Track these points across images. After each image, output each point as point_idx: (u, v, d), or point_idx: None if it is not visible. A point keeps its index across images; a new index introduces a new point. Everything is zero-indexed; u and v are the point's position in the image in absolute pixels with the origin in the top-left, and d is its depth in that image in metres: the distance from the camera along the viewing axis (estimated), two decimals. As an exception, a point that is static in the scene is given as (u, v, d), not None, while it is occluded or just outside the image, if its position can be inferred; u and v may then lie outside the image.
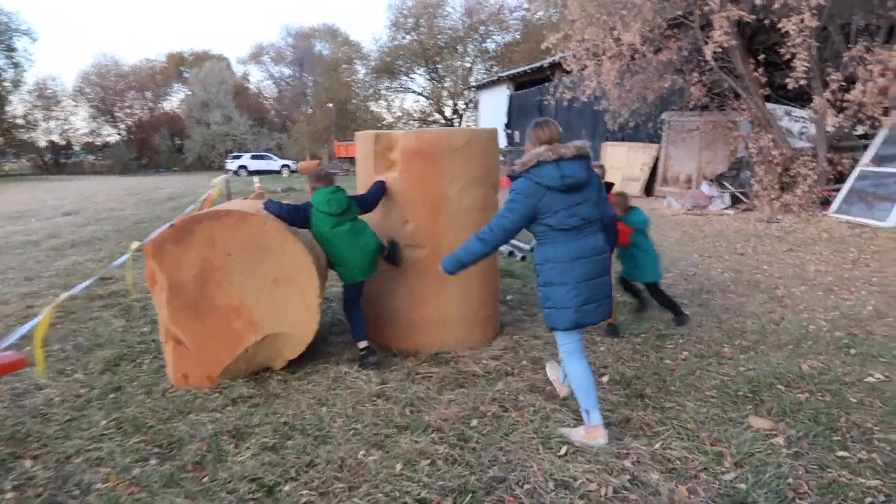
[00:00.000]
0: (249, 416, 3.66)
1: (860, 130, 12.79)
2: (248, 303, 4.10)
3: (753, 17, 10.87)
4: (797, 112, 14.59)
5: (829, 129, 12.26)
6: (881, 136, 11.82)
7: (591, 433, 3.30)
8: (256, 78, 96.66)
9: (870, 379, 4.11)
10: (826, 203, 12.20)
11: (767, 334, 5.13)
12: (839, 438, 3.30)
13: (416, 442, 3.33)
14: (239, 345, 4.12)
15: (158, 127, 57.53)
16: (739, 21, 11.39)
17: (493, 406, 3.77)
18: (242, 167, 39.96)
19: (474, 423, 3.57)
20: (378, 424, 3.55)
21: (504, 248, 8.81)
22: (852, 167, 12.25)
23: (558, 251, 3.25)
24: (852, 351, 4.63)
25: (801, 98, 14.37)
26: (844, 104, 11.01)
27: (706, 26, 12.52)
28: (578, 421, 3.54)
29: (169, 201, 19.44)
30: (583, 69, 14.00)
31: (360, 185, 5.07)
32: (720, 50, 11.27)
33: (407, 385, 4.12)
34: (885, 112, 10.43)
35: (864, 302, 6.12)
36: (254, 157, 42.34)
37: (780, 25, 10.33)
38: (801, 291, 6.67)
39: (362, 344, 4.51)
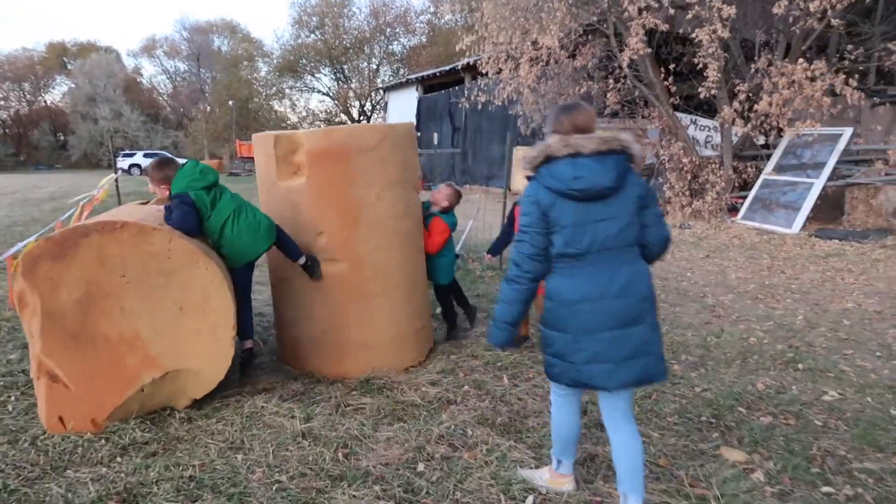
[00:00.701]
0: (145, 470, 2.98)
1: (761, 140, 13.28)
2: (144, 335, 3.41)
3: (667, 25, 10.96)
4: (703, 121, 15.03)
5: (735, 138, 12.63)
6: (782, 145, 12.27)
7: (557, 479, 2.86)
8: (149, 72, 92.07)
9: (826, 398, 3.94)
10: (733, 210, 12.54)
11: (711, 348, 4.93)
12: (818, 470, 3.05)
13: (355, 497, 2.78)
14: (131, 384, 3.41)
15: (38, 121, 53.32)
16: (650, 31, 11.49)
17: (440, 445, 3.27)
18: (135, 166, 37.36)
19: (421, 467, 3.06)
20: (307, 475, 2.98)
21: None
22: (756, 175, 12.67)
23: (560, 285, 2.45)
24: (800, 366, 4.48)
25: (702, 108, 14.81)
26: (749, 114, 11.32)
27: (618, 34, 12.60)
28: (537, 460, 3.12)
29: (49, 202, 17.69)
30: (498, 72, 13.77)
31: (262, 194, 4.44)
32: (636, 57, 11.31)
33: (337, 420, 3.56)
34: (790, 122, 10.79)
35: (793, 311, 6.09)
36: (147, 156, 39.73)
37: (693, 35, 10.46)
38: (729, 300, 6.60)
39: (248, 344, 4.13)
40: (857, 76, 10.30)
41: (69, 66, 56.29)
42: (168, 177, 3.83)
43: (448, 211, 4.94)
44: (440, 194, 4.91)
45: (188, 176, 3.76)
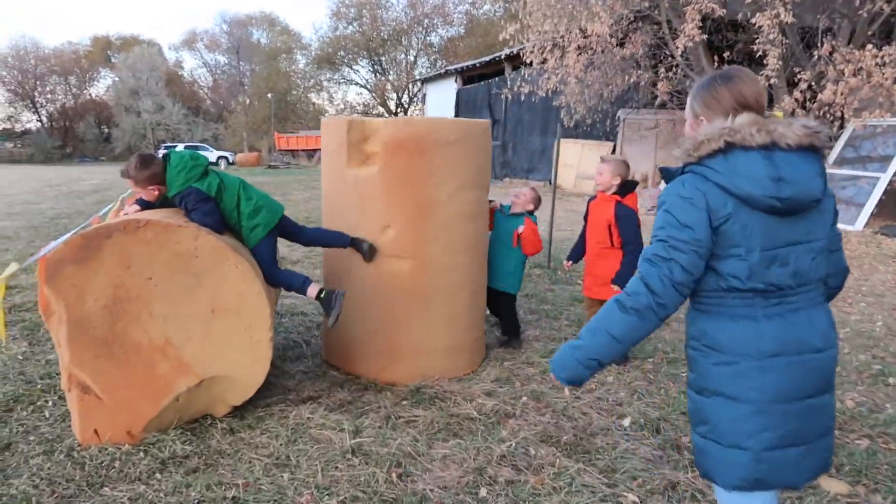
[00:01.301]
0: (185, 489, 2.76)
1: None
2: (176, 340, 3.19)
3: (724, 10, 10.43)
4: (757, 112, 14.40)
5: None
6: (844, 137, 11.63)
7: None
8: (190, 65, 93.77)
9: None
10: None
11: (786, 358, 4.54)
12: (934, 506, 2.68)
13: (413, 527, 2.52)
14: (166, 393, 3.20)
15: (84, 114, 54.47)
16: (704, 17, 10.97)
17: (502, 467, 2.99)
18: (176, 158, 37.84)
19: (483, 492, 2.78)
20: (359, 499, 2.72)
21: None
22: (815, 169, 12.05)
23: (739, 332, 1.71)
24: (891, 380, 4.08)
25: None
26: (810, 104, 10.73)
27: (669, 21, 12.08)
28: (611, 486, 2.81)
29: (94, 194, 17.89)
30: (543, 62, 13.36)
31: (327, 182, 4.21)
32: (690, 45, 10.80)
33: (387, 435, 3.30)
34: (855, 112, 10.18)
35: (870, 317, 5.64)
36: (188, 148, 40.14)
37: (753, 20, 9.92)
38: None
39: (313, 289, 3.72)
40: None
41: (113, 60, 57.33)
42: (156, 174, 3.44)
43: (532, 213, 4.72)
44: (525, 197, 4.67)
45: (184, 168, 3.40)
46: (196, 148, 40.48)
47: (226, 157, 39.90)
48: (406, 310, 3.95)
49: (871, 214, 10.37)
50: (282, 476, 2.88)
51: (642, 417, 3.51)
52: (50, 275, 2.99)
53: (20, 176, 27.07)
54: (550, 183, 20.78)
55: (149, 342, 3.15)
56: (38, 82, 53.96)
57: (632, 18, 12.30)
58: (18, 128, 54.61)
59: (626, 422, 3.48)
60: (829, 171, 11.37)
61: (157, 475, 2.88)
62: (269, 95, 47.96)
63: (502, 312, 4.80)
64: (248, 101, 54.28)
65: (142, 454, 3.06)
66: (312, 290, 3.71)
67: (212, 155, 39.86)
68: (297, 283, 3.73)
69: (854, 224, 10.34)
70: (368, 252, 3.90)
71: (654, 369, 4.30)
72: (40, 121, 55.16)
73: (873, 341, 4.93)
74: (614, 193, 4.26)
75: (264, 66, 54.40)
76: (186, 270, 3.14)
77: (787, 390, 1.70)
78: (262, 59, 55.85)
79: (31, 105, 54.70)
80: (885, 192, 10.44)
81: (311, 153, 40.14)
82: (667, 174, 1.84)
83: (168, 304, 3.15)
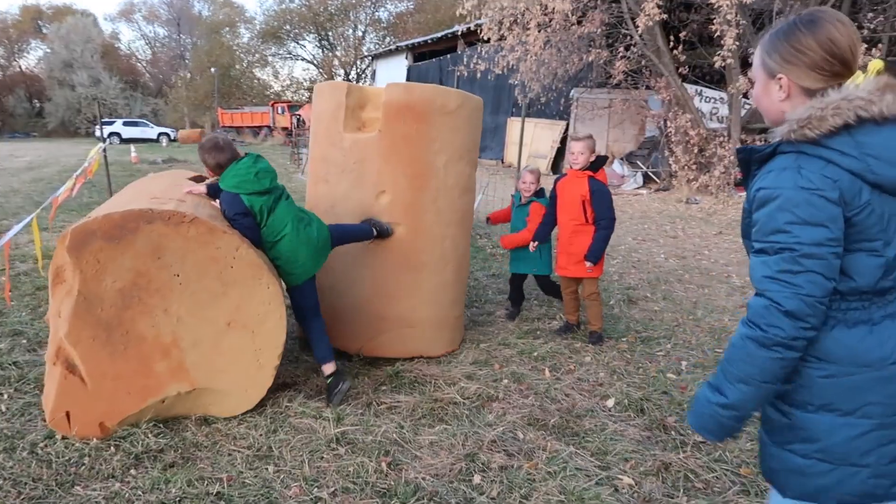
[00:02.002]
0: (165, 486, 2.60)
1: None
2: (183, 343, 3.02)
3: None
4: (709, 92, 14.67)
5: (743, 110, 12.28)
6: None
7: None
8: (127, 37, 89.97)
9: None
10: (740, 184, 12.24)
11: (755, 335, 4.62)
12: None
13: (410, 519, 2.44)
14: (155, 393, 3.02)
15: (13, 87, 51.64)
16: (664, -5, 11.05)
17: (494, 453, 2.92)
18: (115, 134, 36.26)
19: (477, 479, 2.71)
20: (351, 490, 2.62)
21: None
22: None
23: (856, 339, 1.41)
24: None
25: (706, 79, 14.43)
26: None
27: None
28: (604, 469, 2.79)
29: (28, 171, 16.99)
30: (501, 38, 13.25)
31: (318, 147, 4.03)
32: (651, 24, 10.86)
33: (371, 421, 3.20)
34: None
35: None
36: (127, 124, 38.67)
37: (712, 0, 10.02)
38: (758, 281, 6.30)
39: (329, 368, 3.43)
40: (878, 45, 9.95)
41: (44, 31, 54.42)
42: (220, 164, 3.24)
43: (540, 195, 4.75)
44: (527, 180, 4.74)
45: (241, 175, 3.17)
46: (135, 124, 38.95)
47: (167, 134, 38.47)
48: (397, 278, 3.90)
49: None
50: (266, 469, 2.75)
51: (625, 398, 3.50)
52: (76, 243, 2.81)
53: (-55, 152, 25.51)
54: (502, 161, 20.82)
55: (154, 338, 2.97)
56: (-39, 53, 50.90)
57: (591, -4, 12.30)
58: (-59, 101, 51.47)
59: (610, 402, 3.47)
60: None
61: (132, 471, 2.71)
62: (212, 70, 46.39)
63: (545, 290, 5.03)
64: (189, 75, 52.46)
65: (113, 449, 2.87)
66: (328, 368, 3.43)
67: (152, 131, 38.39)
68: (320, 352, 3.47)
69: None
70: (390, 231, 3.82)
71: (630, 349, 4.31)
72: (-35, 94, 52.09)
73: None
74: (586, 169, 4.23)
75: (206, 40, 52.59)
76: (217, 277, 3.00)
77: None
78: (204, 32, 53.94)
79: (-46, 77, 51.63)
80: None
81: (257, 130, 39.13)
82: (753, 156, 1.47)
83: (187, 305, 2.99)
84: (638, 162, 15.01)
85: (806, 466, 1.47)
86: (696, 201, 11.70)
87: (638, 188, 14.20)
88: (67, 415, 2.97)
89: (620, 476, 2.74)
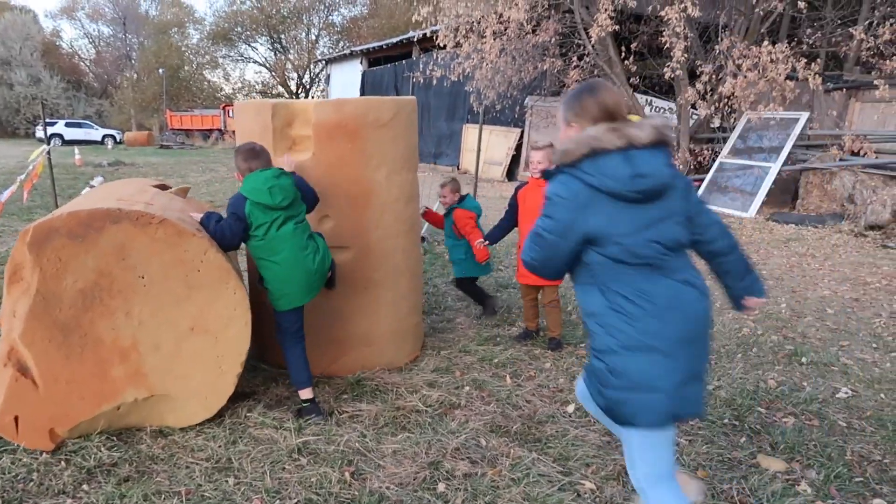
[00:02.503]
0: (119, 501, 2.52)
1: (716, 123, 13.35)
2: (142, 347, 2.94)
3: (635, 2, 10.76)
4: (658, 102, 15.03)
5: (693, 120, 12.63)
6: (739, 128, 12.34)
7: None
8: (70, 35, 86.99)
9: (840, 395, 3.79)
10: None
11: (707, 340, 4.75)
12: (861, 479, 2.86)
13: (376, 529, 2.42)
14: (110, 399, 2.93)
15: (-54, 85, 49.27)
16: (617, 9, 11.28)
17: (457, 460, 2.93)
18: (57, 136, 34.98)
19: (441, 487, 2.71)
20: (313, 501, 2.58)
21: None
22: (712, 158, 12.73)
23: (636, 290, 1.96)
24: (803, 360, 4.34)
25: (655, 89, 14.80)
26: (709, 96, 11.30)
27: (581, 10, 12.35)
28: (564, 472, 2.82)
29: (-37, 174, 16.24)
30: (456, 45, 13.31)
31: None
32: (603, 34, 11.08)
33: (333, 431, 3.16)
34: (752, 105, 10.81)
35: (774, 299, 5.99)
36: (70, 125, 37.34)
37: (661, 13, 10.29)
38: (709, 285, 6.47)
39: (306, 394, 3.34)
40: (818, 60, 10.38)
41: (-20, 27, 52.21)
42: (251, 170, 3.18)
43: (462, 201, 4.92)
44: (443, 194, 4.94)
45: (257, 183, 3.09)
46: (79, 125, 37.67)
47: (112, 136, 37.31)
48: (352, 300, 3.82)
49: (763, 202, 11.08)
50: (226, 481, 2.69)
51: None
52: (37, 240, 2.72)
53: None
54: (458, 168, 20.90)
55: (113, 341, 2.89)
56: None
57: (546, 5, 12.46)
58: None
59: (571, 408, 3.51)
60: (725, 160, 12.06)
61: (85, 486, 2.62)
62: (160, 71, 45.26)
63: (466, 293, 5.30)
64: (136, 76, 51.06)
65: (63, 464, 2.77)
66: (305, 394, 3.35)
67: (96, 133, 37.18)
68: (298, 377, 3.35)
69: (747, 211, 11.01)
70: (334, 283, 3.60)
71: (589, 354, 4.36)
72: None
73: (781, 322, 5.24)
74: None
75: (154, 40, 51.27)
76: (183, 280, 2.93)
77: (682, 334, 1.97)
78: (151, 31, 52.58)
79: None
80: (775, 181, 11.17)
81: (207, 133, 38.33)
82: (548, 175, 2.09)
83: (150, 308, 2.92)
84: (590, 169, 15.29)
85: (617, 397, 2.00)
86: (647, 209, 11.97)
87: (590, 195, 14.46)
88: (16, 419, 2.87)
89: (582, 481, 2.78)
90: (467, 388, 3.75)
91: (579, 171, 1.95)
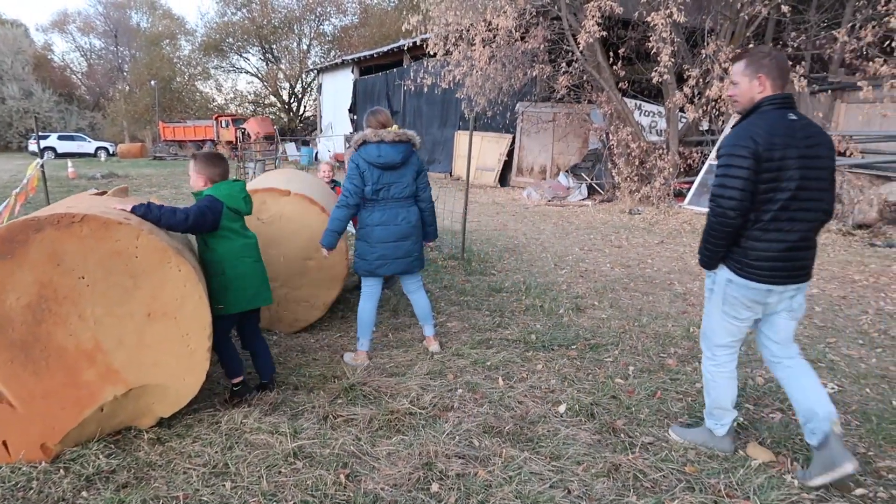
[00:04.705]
0: (119, 507, 2.57)
1: (704, 125, 13.47)
2: (106, 345, 2.96)
3: (621, 9, 10.88)
4: (647, 106, 15.16)
5: (681, 123, 12.75)
6: (727, 130, 12.46)
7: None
8: (61, 49, 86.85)
9: (827, 391, 3.86)
10: (680, 195, 12.68)
11: (696, 339, 4.82)
12: (845, 471, 2.93)
13: (370, 529, 2.47)
14: (90, 402, 2.96)
15: (-63, 100, 49.16)
16: (604, 15, 11.40)
17: (450, 460, 2.98)
18: (49, 149, 34.96)
19: (435, 487, 2.77)
20: (309, 503, 2.64)
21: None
22: (701, 160, 12.85)
23: (367, 217, 4.13)
24: (791, 356, 4.41)
25: (645, 94, 14.93)
26: (697, 100, 11.41)
27: (569, 17, 12.46)
28: (555, 470, 2.89)
29: (-44, 189, 16.23)
30: (446, 53, 13.41)
31: None
32: (591, 41, 11.19)
33: (328, 434, 3.22)
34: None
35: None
36: (62, 138, 37.32)
37: (648, 19, 10.41)
38: (698, 287, 6.56)
39: (237, 379, 3.71)
40: (802, 63, 10.50)
41: (-29, 41, 52.11)
42: (215, 175, 3.54)
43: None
44: (322, 170, 6.54)
45: (234, 191, 3.53)
46: (71, 138, 37.64)
47: (105, 148, 37.31)
48: None
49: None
50: (223, 485, 2.74)
51: (576, 403, 3.61)
52: None
53: None
54: (451, 175, 20.98)
55: (75, 347, 2.91)
56: None
57: (534, 13, 12.58)
58: None
59: (562, 408, 3.57)
60: (713, 162, 12.13)
61: (84, 493, 2.67)
62: (152, 83, 45.28)
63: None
64: (128, 88, 51.05)
65: (62, 472, 2.81)
66: (236, 379, 3.71)
67: (89, 146, 37.16)
68: (231, 367, 3.69)
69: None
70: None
71: (579, 356, 4.44)
72: None
73: (769, 321, 5.32)
74: None
75: (145, 52, 51.28)
76: (124, 271, 2.94)
77: (389, 238, 4.12)
78: (142, 44, 52.60)
79: None
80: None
81: (200, 144, 38.35)
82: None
83: (101, 306, 2.93)
84: (582, 174, 15.36)
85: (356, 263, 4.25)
86: (638, 212, 12.05)
87: (583, 200, 14.53)
88: (5, 444, 2.89)
89: (573, 479, 2.83)
90: (460, 390, 3.81)
91: (361, 151, 4.06)
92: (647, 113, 15.15)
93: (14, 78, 47.08)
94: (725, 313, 2.86)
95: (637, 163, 12.88)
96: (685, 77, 11.30)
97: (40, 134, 36.97)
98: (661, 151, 12.74)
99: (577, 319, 5.36)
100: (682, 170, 13.03)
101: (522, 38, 12.89)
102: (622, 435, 3.26)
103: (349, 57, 30.25)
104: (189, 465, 2.90)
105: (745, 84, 2.68)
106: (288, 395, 3.75)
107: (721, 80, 10.48)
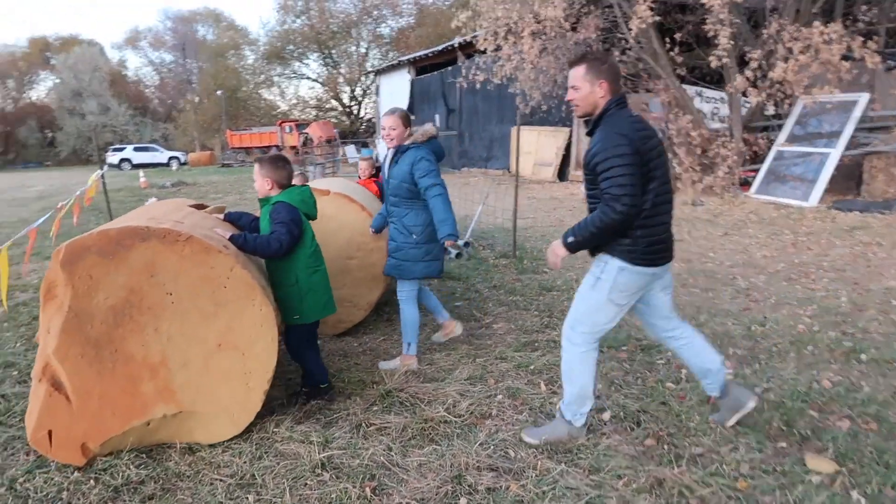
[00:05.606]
0: (143, 520, 2.56)
1: (770, 110, 12.80)
2: (171, 363, 2.99)
3: (675, -8, 10.45)
4: (708, 93, 14.54)
5: (744, 109, 12.15)
6: (795, 114, 11.79)
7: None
8: (134, 64, 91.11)
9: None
10: (745, 184, 12.10)
11: (758, 338, 4.52)
12: (922, 487, 2.63)
13: (391, 547, 2.36)
14: (140, 414, 2.99)
15: (25, 118, 52.36)
16: (656, -1, 10.99)
17: (481, 472, 2.85)
18: (125, 160, 36.63)
19: (463, 502, 2.64)
20: (332, 518, 2.56)
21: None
22: (767, 147, 12.21)
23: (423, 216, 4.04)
24: (863, 357, 4.07)
25: (705, 79, 14.31)
26: (761, 83, 10.84)
27: (622, 3, 12.06)
28: (593, 485, 2.70)
29: (38, 201, 17.19)
30: (497, 48, 13.22)
31: None
32: (643, 27, 10.79)
33: (359, 444, 3.13)
34: (806, 89, 10.31)
35: (834, 293, 5.67)
36: (138, 149, 39.05)
37: (704, 0, 9.94)
38: (762, 282, 6.18)
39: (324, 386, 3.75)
40: (875, 38, 9.82)
41: (52, 62, 55.20)
42: (282, 178, 3.51)
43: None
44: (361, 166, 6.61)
45: (305, 197, 3.55)
46: (145, 149, 39.30)
47: (177, 158, 38.80)
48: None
49: (825, 190, 10.55)
50: (246, 498, 2.69)
51: (622, 410, 3.41)
52: (69, 258, 2.81)
53: (-42, 185, 25.84)
54: (509, 171, 20.74)
55: (143, 357, 2.95)
56: (-27, 87, 51.73)
57: (584, 2, 12.24)
58: (-45, 135, 52.22)
59: (606, 416, 3.37)
60: (782, 148, 11.52)
61: (111, 505, 2.67)
62: (219, 93, 46.79)
63: None
64: (197, 99, 52.94)
65: (92, 482, 2.83)
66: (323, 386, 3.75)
67: (162, 156, 38.71)
68: (316, 375, 3.70)
69: (808, 200, 10.50)
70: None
71: (629, 357, 4.22)
72: (-22, 127, 52.81)
73: (841, 317, 4.94)
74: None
75: (212, 63, 53.10)
76: (209, 297, 2.98)
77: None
78: (209, 55, 54.51)
79: (-34, 111, 52.40)
80: (836, 167, 10.62)
81: (265, 150, 39.33)
82: (404, 149, 3.94)
83: (178, 324, 2.97)
84: (642, 165, 14.90)
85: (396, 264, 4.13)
86: (701, 203, 11.55)
87: (643, 192, 14.08)
88: (49, 434, 2.94)
89: (611, 495, 2.65)
90: (500, 396, 3.66)
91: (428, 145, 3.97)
92: (708, 99, 14.54)
93: (92, 94, 49.61)
94: (612, 300, 2.96)
95: (699, 152, 12.35)
96: (746, 60, 10.74)
97: (117, 146, 38.80)
98: (724, 139, 12.18)
99: (630, 318, 5.11)
100: (747, 157, 12.42)
101: (574, 29, 12.55)
102: (668, 445, 3.04)
103: (405, 58, 30.40)
104: (216, 476, 2.87)
105: (586, 89, 2.81)
106: (320, 402, 3.69)
107: (786, 60, 9.91)
